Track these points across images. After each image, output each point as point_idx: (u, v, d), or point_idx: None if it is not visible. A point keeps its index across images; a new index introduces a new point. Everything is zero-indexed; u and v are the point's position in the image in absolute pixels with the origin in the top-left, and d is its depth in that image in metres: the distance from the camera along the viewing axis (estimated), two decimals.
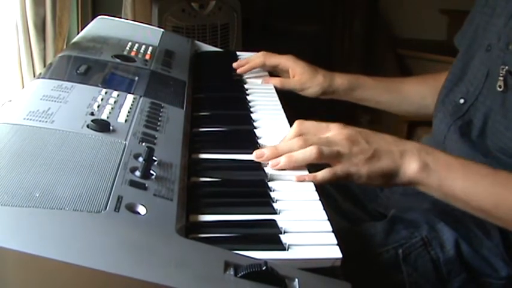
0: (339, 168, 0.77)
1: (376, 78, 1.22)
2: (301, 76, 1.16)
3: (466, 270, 0.87)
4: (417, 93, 1.19)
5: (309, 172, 0.79)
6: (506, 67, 0.89)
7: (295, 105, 1.08)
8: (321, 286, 0.57)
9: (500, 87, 0.89)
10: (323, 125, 0.82)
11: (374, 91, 1.20)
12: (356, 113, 2.61)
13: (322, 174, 0.77)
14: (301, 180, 0.77)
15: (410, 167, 0.78)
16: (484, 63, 0.96)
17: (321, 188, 0.77)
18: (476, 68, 0.98)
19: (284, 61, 1.18)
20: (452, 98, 1.01)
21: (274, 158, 0.79)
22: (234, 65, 1.20)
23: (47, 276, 0.50)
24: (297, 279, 0.55)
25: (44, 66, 1.25)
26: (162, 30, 1.35)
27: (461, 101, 0.98)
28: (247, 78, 1.19)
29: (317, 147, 0.77)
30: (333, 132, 0.80)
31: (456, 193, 0.78)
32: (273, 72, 1.22)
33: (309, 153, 0.77)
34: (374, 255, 0.87)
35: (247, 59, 1.21)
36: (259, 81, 1.18)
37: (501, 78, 0.89)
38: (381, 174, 0.78)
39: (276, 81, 1.16)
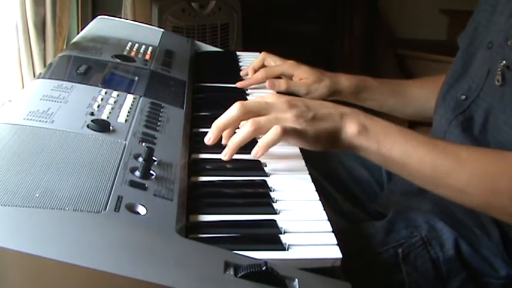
0: (287, 124, 0.76)
1: (382, 80, 1.20)
2: (307, 80, 1.14)
3: (466, 269, 0.87)
4: (422, 96, 1.18)
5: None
6: (504, 61, 0.89)
7: None
8: (321, 286, 0.57)
9: (498, 81, 0.89)
10: (261, 100, 0.82)
11: (380, 94, 1.18)
12: None
13: (270, 133, 0.76)
14: (256, 153, 0.76)
15: (350, 129, 0.78)
16: (485, 60, 0.96)
17: (321, 188, 0.77)
18: (477, 65, 0.98)
19: (286, 69, 1.15)
20: (453, 94, 1.01)
21: (218, 135, 0.80)
22: (242, 73, 1.18)
23: (47, 276, 0.50)
24: (297, 279, 0.55)
25: (44, 66, 1.25)
26: (162, 30, 1.35)
27: (463, 97, 0.98)
28: (248, 78, 1.19)
29: (251, 120, 0.76)
30: (271, 99, 0.80)
31: (394, 157, 0.78)
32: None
33: (244, 130, 0.77)
34: (374, 254, 0.87)
35: (250, 69, 1.19)
36: None
37: (499, 72, 0.89)
38: (326, 134, 0.78)
39: (282, 84, 1.13)
